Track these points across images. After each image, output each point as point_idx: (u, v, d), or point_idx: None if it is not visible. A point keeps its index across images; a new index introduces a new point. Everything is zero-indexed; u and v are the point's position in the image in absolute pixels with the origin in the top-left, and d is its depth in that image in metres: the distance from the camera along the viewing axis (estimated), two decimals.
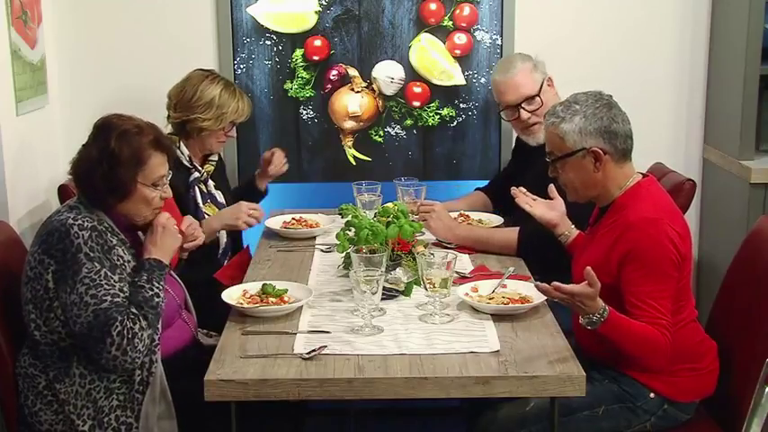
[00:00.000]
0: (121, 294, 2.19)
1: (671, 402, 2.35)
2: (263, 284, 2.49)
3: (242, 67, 3.62)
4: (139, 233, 2.46)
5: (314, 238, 3.12)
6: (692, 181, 3.12)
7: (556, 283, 2.14)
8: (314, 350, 2.11)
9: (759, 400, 1.77)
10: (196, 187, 3.08)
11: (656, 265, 2.24)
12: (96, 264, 2.18)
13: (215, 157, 3.21)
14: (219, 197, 3.18)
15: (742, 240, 2.64)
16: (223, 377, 2.01)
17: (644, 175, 2.43)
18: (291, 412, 2.55)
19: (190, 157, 3.08)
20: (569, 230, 2.73)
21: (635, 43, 3.69)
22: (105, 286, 2.17)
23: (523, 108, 3.10)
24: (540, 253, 2.81)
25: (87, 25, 3.60)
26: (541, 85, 3.10)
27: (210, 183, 3.17)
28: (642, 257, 2.25)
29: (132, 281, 2.26)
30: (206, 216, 3.06)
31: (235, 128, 3.16)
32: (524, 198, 2.79)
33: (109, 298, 2.16)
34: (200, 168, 3.11)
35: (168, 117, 3.09)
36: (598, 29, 3.67)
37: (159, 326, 2.24)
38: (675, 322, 2.27)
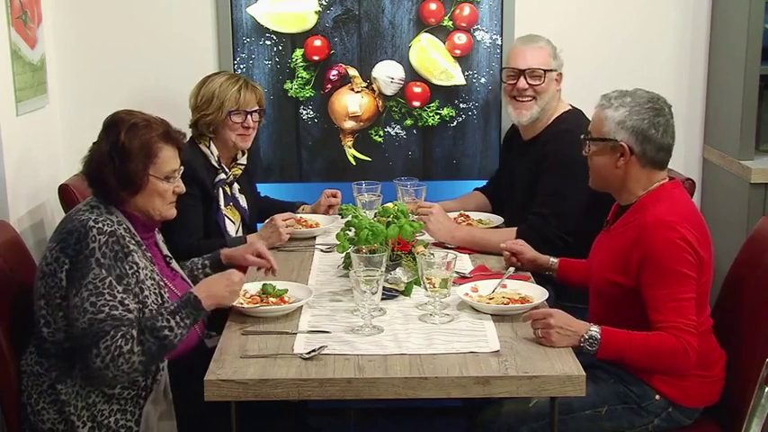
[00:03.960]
0: (121, 307, 2.16)
1: (675, 406, 2.34)
2: (263, 284, 2.49)
3: (242, 67, 3.62)
4: (158, 239, 2.46)
5: (314, 238, 3.12)
6: (692, 180, 3.12)
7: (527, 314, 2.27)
8: (314, 350, 2.11)
9: (759, 400, 1.77)
10: (221, 189, 3.07)
11: (672, 266, 2.23)
12: (104, 271, 2.17)
13: (243, 161, 3.20)
14: (243, 201, 3.18)
15: (742, 240, 2.64)
16: (223, 377, 2.01)
17: (671, 179, 2.43)
18: (291, 412, 2.55)
19: (218, 158, 3.08)
20: (552, 261, 2.73)
21: (635, 43, 3.69)
22: (107, 296, 2.15)
23: (525, 77, 3.07)
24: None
25: (87, 25, 3.60)
26: (551, 70, 3.08)
27: (236, 186, 3.17)
28: (658, 260, 2.25)
29: (161, 304, 2.26)
30: (225, 218, 3.06)
31: (251, 118, 3.08)
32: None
33: (107, 309, 2.14)
34: (227, 170, 3.11)
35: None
36: (598, 29, 3.67)
37: (161, 356, 2.20)
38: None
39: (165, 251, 2.50)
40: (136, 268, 2.24)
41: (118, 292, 2.17)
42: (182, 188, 2.40)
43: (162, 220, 2.41)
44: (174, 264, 2.52)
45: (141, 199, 2.31)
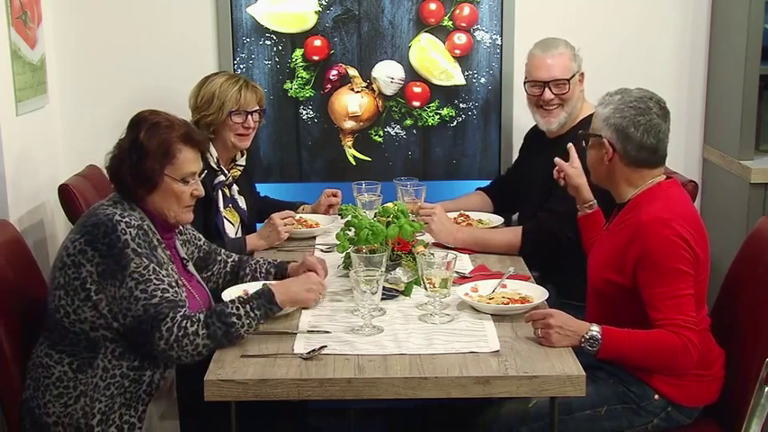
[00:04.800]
0: (170, 290, 2.18)
1: (675, 405, 2.34)
2: (263, 284, 2.49)
3: (242, 67, 3.62)
4: (177, 242, 2.47)
5: (314, 238, 3.12)
6: (694, 182, 3.12)
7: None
8: (314, 350, 2.11)
9: (759, 400, 1.77)
10: (220, 191, 3.07)
11: (669, 264, 2.23)
12: (144, 259, 2.18)
13: (242, 162, 3.20)
14: (242, 202, 3.18)
15: (742, 240, 2.64)
16: (223, 377, 2.01)
17: (667, 177, 2.43)
18: (291, 412, 2.55)
19: (218, 160, 3.07)
20: (592, 201, 2.70)
21: (635, 43, 3.69)
22: (155, 281, 2.17)
23: (550, 88, 3.06)
24: (543, 251, 2.80)
25: (87, 25, 3.60)
26: (573, 76, 3.08)
27: (234, 187, 3.16)
28: (655, 258, 2.25)
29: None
30: (225, 220, 3.06)
31: (251, 119, 3.07)
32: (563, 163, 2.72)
33: (159, 293, 2.16)
34: (226, 172, 3.10)
35: None
36: (598, 29, 3.67)
37: (226, 343, 2.17)
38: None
39: (182, 253, 2.51)
40: (164, 261, 2.26)
41: (163, 276, 2.19)
42: (200, 191, 2.38)
43: (177, 224, 2.39)
44: (191, 266, 2.53)
45: (158, 198, 2.31)
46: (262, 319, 2.21)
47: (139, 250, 2.18)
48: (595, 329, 2.20)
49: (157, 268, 2.19)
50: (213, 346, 2.15)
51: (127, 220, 2.21)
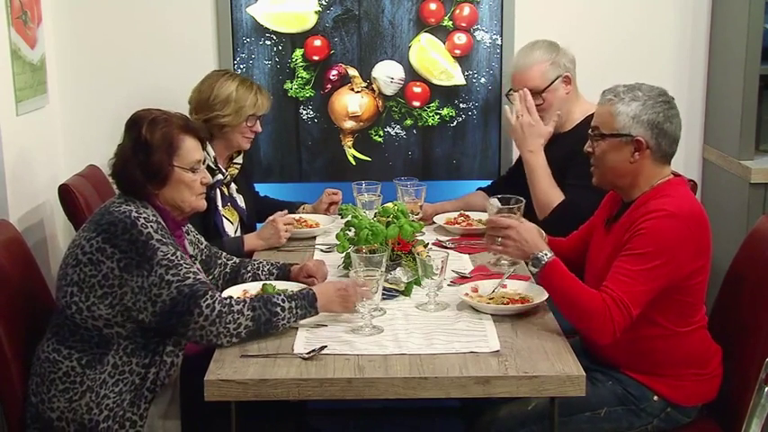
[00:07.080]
0: (200, 274, 2.22)
1: (674, 405, 2.34)
2: (263, 284, 2.49)
3: (242, 67, 3.62)
4: (185, 240, 2.48)
5: (314, 238, 3.12)
6: (693, 182, 3.12)
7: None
8: (314, 350, 2.11)
9: (759, 400, 1.77)
10: (218, 189, 3.08)
11: (649, 250, 2.21)
12: (171, 248, 2.22)
13: (240, 161, 3.21)
14: (240, 201, 3.18)
15: (742, 240, 2.64)
16: (223, 377, 2.01)
17: (676, 175, 2.42)
18: (291, 412, 2.55)
19: (215, 159, 3.08)
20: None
21: (635, 44, 3.69)
22: (184, 266, 2.20)
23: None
24: (564, 228, 2.77)
25: (87, 25, 3.60)
26: (551, 83, 3.08)
27: (233, 186, 3.17)
28: (642, 240, 2.23)
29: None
30: (223, 218, 3.07)
31: (258, 122, 3.13)
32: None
33: (191, 276, 2.19)
34: (224, 171, 3.11)
35: None
36: (598, 29, 3.67)
37: (264, 332, 2.18)
38: (685, 327, 2.29)
39: (191, 251, 2.52)
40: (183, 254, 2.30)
41: (190, 263, 2.24)
42: (208, 179, 2.43)
43: (193, 212, 2.43)
44: (198, 266, 2.53)
45: (169, 191, 2.34)
46: (299, 319, 2.24)
47: (164, 240, 2.22)
48: (547, 254, 2.30)
49: (184, 255, 2.23)
50: (253, 330, 2.16)
51: (144, 216, 2.24)
